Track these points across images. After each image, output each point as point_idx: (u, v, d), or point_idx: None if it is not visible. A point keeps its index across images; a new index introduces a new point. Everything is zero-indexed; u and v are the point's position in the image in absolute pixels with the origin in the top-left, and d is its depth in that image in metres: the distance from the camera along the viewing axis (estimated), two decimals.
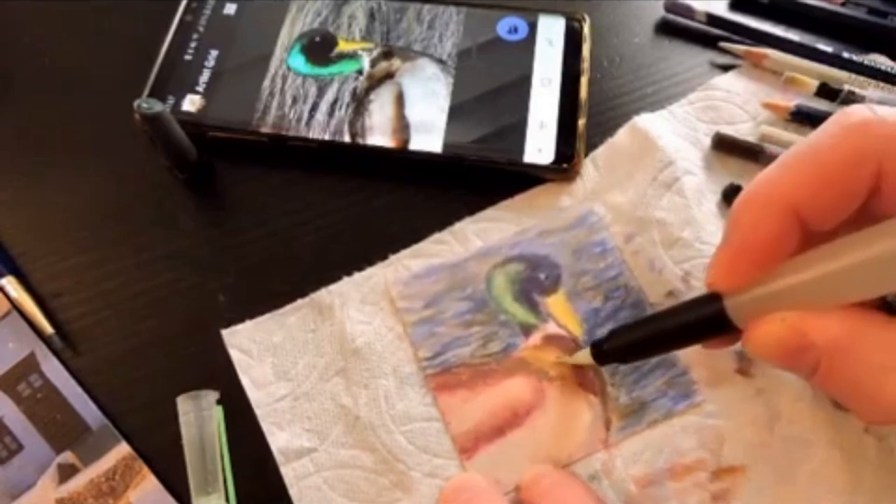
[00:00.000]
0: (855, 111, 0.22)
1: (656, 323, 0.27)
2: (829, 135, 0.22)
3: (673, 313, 0.26)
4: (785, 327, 0.22)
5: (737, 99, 0.36)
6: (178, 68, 0.37)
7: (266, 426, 0.30)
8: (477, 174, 0.34)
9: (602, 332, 0.31)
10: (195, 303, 0.33)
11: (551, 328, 0.31)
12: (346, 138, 0.35)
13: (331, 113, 0.35)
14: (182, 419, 0.30)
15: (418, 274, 0.32)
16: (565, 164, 0.33)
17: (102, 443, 0.31)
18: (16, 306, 0.33)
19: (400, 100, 0.36)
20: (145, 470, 0.30)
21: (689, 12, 0.38)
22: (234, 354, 0.31)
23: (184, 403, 0.30)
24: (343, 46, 0.37)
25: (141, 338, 0.32)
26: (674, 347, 0.28)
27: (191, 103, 0.36)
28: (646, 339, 0.27)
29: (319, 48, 0.37)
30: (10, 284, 0.33)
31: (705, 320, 0.24)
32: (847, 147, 0.22)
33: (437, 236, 0.33)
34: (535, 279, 0.32)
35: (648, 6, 0.39)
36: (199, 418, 0.30)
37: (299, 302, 0.32)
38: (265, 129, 0.35)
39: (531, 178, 0.34)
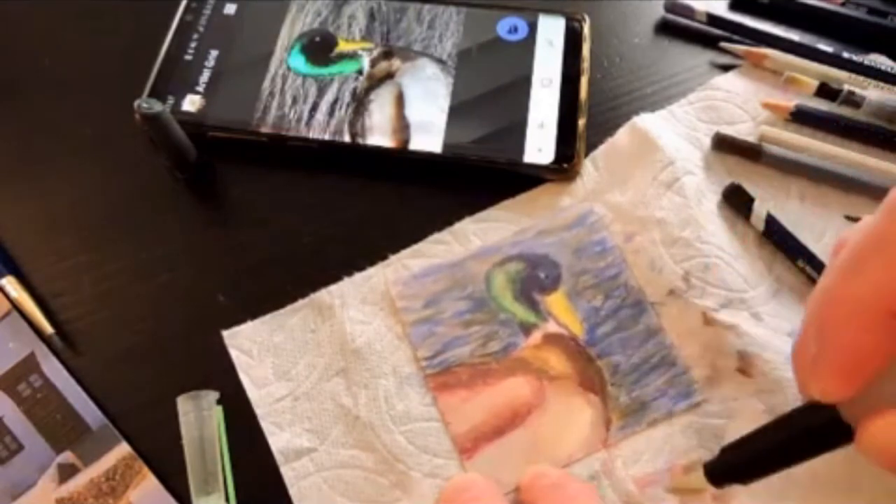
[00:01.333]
0: None
1: (766, 438, 0.24)
2: (893, 221, 0.21)
3: (783, 425, 0.24)
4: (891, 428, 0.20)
5: (737, 99, 0.36)
6: (178, 68, 0.37)
7: (266, 426, 0.30)
8: (477, 174, 0.34)
9: (602, 330, 0.31)
10: (195, 303, 0.33)
11: (551, 327, 0.31)
12: (346, 138, 0.35)
13: (331, 113, 0.35)
14: (182, 419, 0.30)
15: (418, 274, 0.32)
16: (565, 164, 0.33)
17: (102, 443, 0.31)
18: (16, 306, 0.33)
19: (400, 100, 0.36)
20: (145, 470, 0.30)
21: (689, 12, 0.38)
22: (235, 354, 0.31)
23: (184, 403, 0.30)
24: (343, 46, 0.37)
25: (141, 338, 0.32)
26: (793, 462, 0.24)
27: (191, 103, 0.36)
28: (763, 453, 0.24)
29: (319, 48, 0.37)
30: (10, 284, 0.33)
31: (824, 427, 0.22)
32: None
33: (437, 236, 0.33)
34: (535, 278, 0.32)
35: (648, 6, 0.39)
36: (199, 418, 0.30)
37: (299, 302, 0.32)
38: (265, 129, 0.35)
39: (531, 178, 0.34)
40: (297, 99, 0.36)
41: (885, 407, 0.21)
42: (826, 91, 0.35)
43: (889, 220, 0.21)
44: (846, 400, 0.22)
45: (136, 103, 0.31)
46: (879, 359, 0.21)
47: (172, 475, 0.30)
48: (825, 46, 0.36)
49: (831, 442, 0.23)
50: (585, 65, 0.36)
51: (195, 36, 0.38)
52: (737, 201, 0.33)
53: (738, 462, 0.25)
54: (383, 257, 0.33)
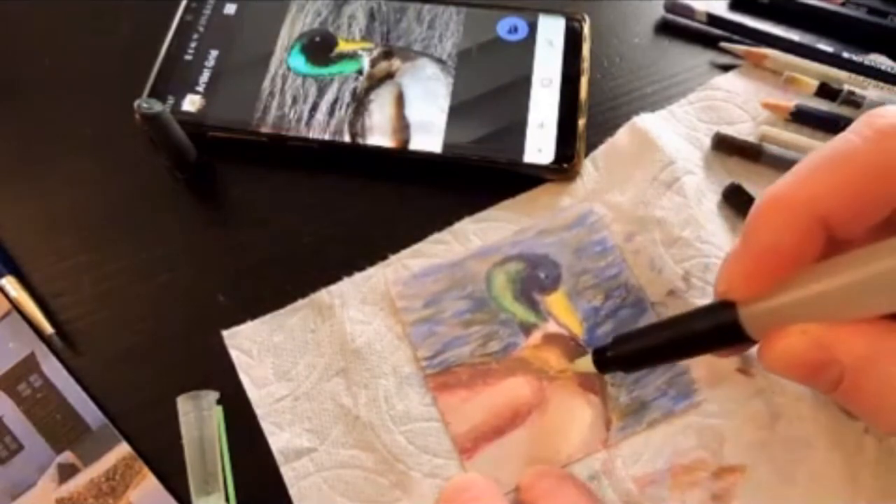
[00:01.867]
0: (886, 113, 0.21)
1: (664, 331, 0.25)
2: (862, 138, 0.21)
3: (681, 321, 0.24)
4: (806, 341, 0.20)
5: (737, 99, 0.36)
6: (178, 68, 0.37)
7: (266, 426, 0.30)
8: (477, 174, 0.34)
9: (602, 330, 0.31)
10: (195, 303, 0.33)
11: (551, 327, 0.31)
12: (346, 138, 0.35)
13: (331, 113, 0.35)
14: (182, 419, 0.30)
15: (418, 274, 0.32)
16: (565, 164, 0.33)
17: (102, 443, 0.31)
18: (16, 306, 0.33)
19: (400, 100, 0.36)
20: (145, 470, 0.30)
21: (689, 12, 0.38)
22: (235, 354, 0.31)
23: (184, 403, 0.30)
24: (343, 46, 0.37)
25: (141, 338, 0.32)
26: (681, 357, 0.27)
27: (191, 103, 0.36)
28: (652, 348, 0.25)
29: (319, 48, 0.37)
30: (10, 284, 0.33)
31: (717, 330, 0.23)
32: (880, 151, 0.20)
33: (437, 236, 0.33)
34: (535, 278, 0.32)
35: (648, 6, 0.39)
36: (199, 418, 0.30)
37: (299, 302, 0.32)
38: (265, 129, 0.35)
39: (531, 178, 0.34)
40: (297, 99, 0.36)
41: (792, 319, 0.21)
42: (826, 91, 0.35)
43: (851, 132, 0.21)
44: (749, 300, 0.22)
45: (136, 103, 0.31)
46: (793, 262, 0.21)
47: (172, 475, 0.30)
48: (825, 46, 0.36)
49: (724, 343, 0.23)
50: (585, 65, 0.36)
51: (195, 36, 0.38)
52: (737, 201, 0.33)
53: (628, 352, 0.26)
54: (383, 257, 0.33)
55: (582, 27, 0.37)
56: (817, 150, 0.22)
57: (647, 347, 0.25)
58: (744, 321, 0.22)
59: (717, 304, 0.23)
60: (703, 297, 0.31)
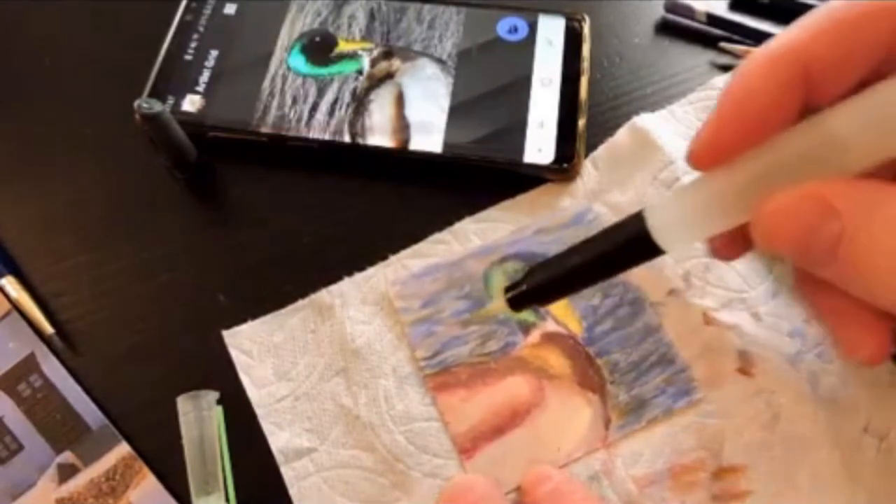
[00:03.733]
0: None
1: (575, 255, 0.24)
2: None
3: (592, 241, 0.23)
4: (805, 198, 0.19)
5: None
6: (178, 68, 0.37)
7: (266, 426, 0.30)
8: (477, 174, 0.34)
9: (601, 329, 0.31)
10: (195, 303, 0.33)
11: (550, 326, 0.31)
12: (346, 138, 0.35)
13: (331, 113, 0.35)
14: (182, 419, 0.30)
15: (416, 274, 0.32)
16: (565, 164, 0.33)
17: (102, 443, 0.31)
18: (16, 306, 0.33)
19: (400, 100, 0.36)
20: (145, 470, 0.30)
21: (689, 12, 0.38)
22: (235, 354, 0.31)
23: (184, 403, 0.30)
24: (343, 46, 0.37)
25: (141, 338, 0.32)
26: (597, 279, 0.25)
27: (191, 103, 0.36)
28: (566, 274, 0.24)
29: (319, 48, 0.37)
30: (10, 284, 0.33)
31: (628, 243, 0.22)
32: None
33: (436, 236, 0.33)
34: None
35: (648, 6, 0.39)
36: (199, 418, 0.30)
37: (299, 302, 0.32)
38: (265, 129, 0.35)
39: (531, 178, 0.34)
40: (297, 99, 0.36)
41: (773, 186, 0.19)
42: None
43: None
44: (714, 164, 0.20)
45: (136, 103, 0.31)
46: (766, 124, 0.19)
47: (172, 475, 0.30)
48: None
49: (637, 257, 0.22)
50: (585, 65, 0.36)
51: (195, 36, 0.38)
52: None
53: (542, 281, 0.24)
54: (383, 257, 0.33)
55: (582, 27, 0.37)
56: (814, 9, 0.21)
57: (560, 274, 0.24)
58: (721, 196, 0.20)
59: (627, 218, 0.22)
60: (702, 297, 0.31)
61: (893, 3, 0.19)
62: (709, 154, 0.20)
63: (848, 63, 0.20)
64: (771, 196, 0.19)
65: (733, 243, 0.22)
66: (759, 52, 0.20)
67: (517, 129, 0.34)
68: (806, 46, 0.20)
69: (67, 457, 0.31)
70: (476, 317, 0.31)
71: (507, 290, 0.25)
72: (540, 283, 0.24)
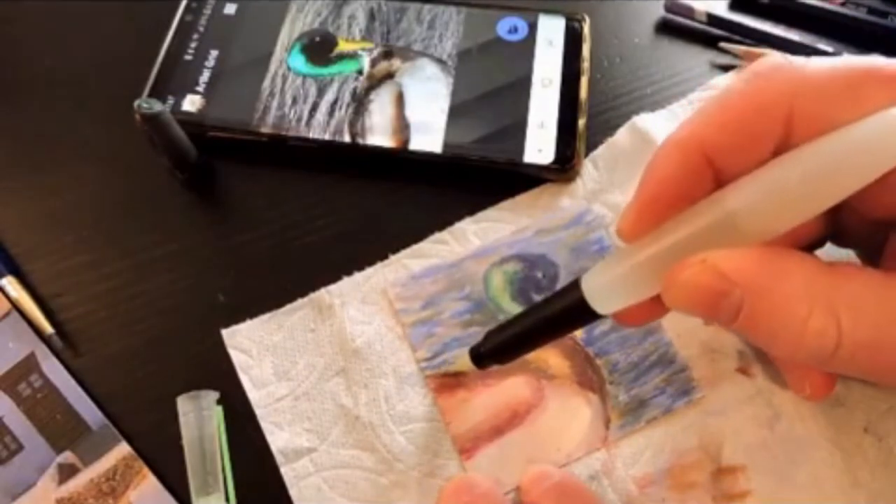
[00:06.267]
0: (769, 58, 0.22)
1: (525, 319, 0.26)
2: (741, 79, 0.22)
3: (538, 308, 0.26)
4: (704, 269, 0.21)
5: None
6: (178, 68, 0.37)
7: (266, 426, 0.30)
8: (477, 174, 0.34)
9: (600, 329, 0.31)
10: (195, 303, 0.33)
11: None
12: (346, 138, 0.35)
13: (331, 113, 0.35)
14: (182, 419, 0.30)
15: (416, 275, 0.32)
16: (565, 164, 0.33)
17: (102, 443, 0.31)
18: (16, 306, 0.33)
19: (400, 100, 0.36)
20: (145, 470, 0.30)
21: (689, 12, 0.38)
22: (234, 354, 0.31)
23: (184, 403, 0.30)
24: (343, 46, 0.37)
25: (141, 338, 0.32)
26: (546, 340, 0.27)
27: (191, 103, 0.36)
28: (517, 337, 0.27)
29: (319, 48, 0.37)
30: (10, 284, 0.33)
31: (569, 310, 0.24)
32: (756, 88, 0.22)
33: (436, 236, 0.33)
34: (532, 278, 0.32)
35: (648, 6, 0.39)
36: (199, 418, 0.30)
37: (299, 302, 0.32)
38: (265, 129, 0.35)
39: (531, 178, 0.34)
40: (297, 99, 0.36)
41: (680, 257, 0.21)
42: None
43: (737, 76, 0.23)
44: (636, 238, 0.23)
45: (136, 103, 0.31)
46: (681, 200, 0.22)
47: (172, 475, 0.30)
48: (825, 46, 0.36)
49: (578, 321, 0.26)
50: (585, 65, 0.36)
51: (195, 36, 0.38)
52: None
53: (497, 344, 0.27)
54: (383, 257, 0.33)
55: (582, 27, 0.37)
56: (711, 96, 0.23)
57: (512, 337, 0.27)
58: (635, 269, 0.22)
59: (567, 286, 0.25)
60: None
61: (779, 96, 0.21)
62: (632, 231, 0.23)
63: (745, 150, 0.22)
64: (675, 267, 0.21)
65: (637, 312, 0.24)
66: (669, 140, 0.23)
67: (517, 129, 0.34)
68: (706, 136, 0.22)
69: (67, 457, 0.31)
70: (476, 318, 0.31)
71: (471, 351, 0.28)
72: (495, 347, 0.27)
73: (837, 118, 0.20)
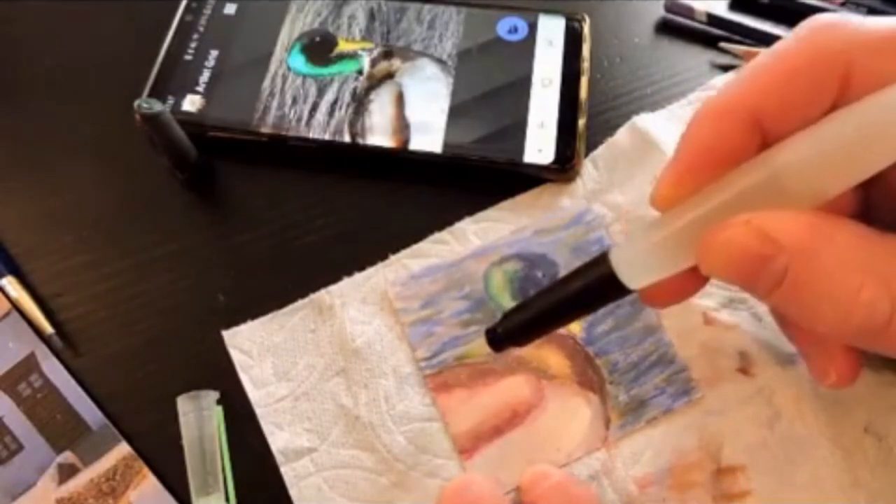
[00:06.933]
0: (823, 16, 0.21)
1: (547, 297, 0.25)
2: (796, 37, 0.21)
3: (562, 284, 0.24)
4: (749, 231, 0.19)
5: None
6: (178, 68, 0.37)
7: (266, 426, 0.30)
8: (477, 174, 0.34)
9: (601, 329, 0.31)
10: (195, 303, 0.33)
11: None
12: (346, 138, 0.35)
13: (331, 113, 0.35)
14: (182, 419, 0.30)
15: (416, 274, 0.32)
16: (565, 164, 0.33)
17: (102, 443, 0.31)
18: (16, 306, 0.33)
19: (400, 100, 0.36)
20: (145, 470, 0.30)
21: (689, 12, 0.38)
22: (235, 354, 0.31)
23: (184, 403, 0.30)
24: (343, 46, 0.37)
25: (141, 338, 0.32)
26: (570, 319, 0.26)
27: (191, 103, 0.36)
28: (538, 316, 0.25)
29: (319, 48, 0.37)
30: (10, 284, 0.33)
31: (596, 284, 0.23)
32: (813, 45, 0.20)
33: (436, 236, 0.33)
34: (532, 277, 0.32)
35: (648, 6, 0.39)
36: (199, 418, 0.30)
37: (299, 302, 0.32)
38: (265, 129, 0.35)
39: (531, 178, 0.34)
40: (297, 99, 0.36)
41: (719, 220, 0.20)
42: None
43: (789, 34, 0.21)
44: (674, 203, 0.21)
45: (136, 103, 0.31)
46: (720, 161, 0.20)
47: (172, 475, 0.30)
48: None
49: (606, 297, 0.23)
50: (585, 65, 0.36)
51: (195, 36, 0.38)
52: None
53: (517, 325, 0.25)
54: (383, 257, 0.33)
55: (582, 27, 0.37)
56: (758, 56, 0.21)
57: (533, 317, 0.25)
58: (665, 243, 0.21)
59: (593, 259, 0.23)
60: (702, 297, 0.31)
61: (836, 53, 0.20)
62: (669, 197, 0.21)
63: (799, 109, 0.20)
64: (714, 228, 0.20)
65: (669, 288, 0.23)
66: (709, 104, 0.21)
67: (517, 129, 0.34)
68: (752, 99, 0.21)
69: (67, 457, 0.31)
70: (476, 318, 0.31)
71: (487, 332, 0.26)
72: (515, 326, 0.25)
73: None
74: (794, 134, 0.20)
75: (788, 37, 0.21)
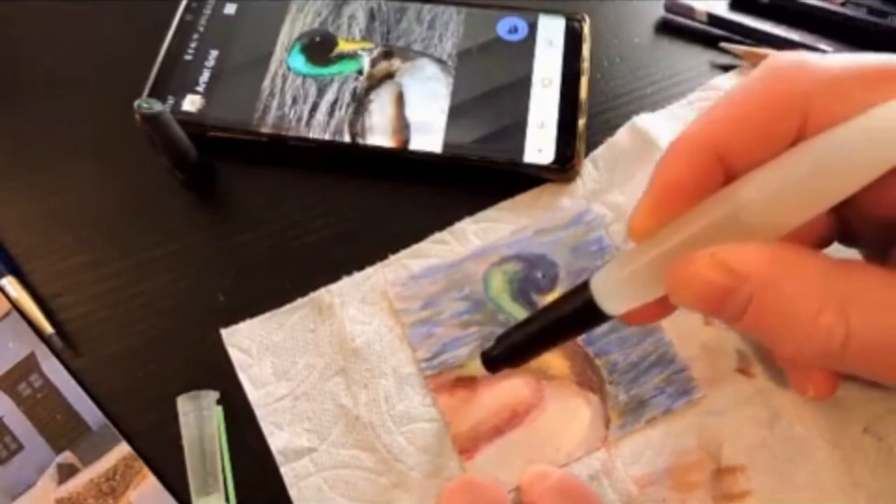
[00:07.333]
0: (785, 54, 0.22)
1: (535, 323, 0.26)
2: (756, 77, 0.22)
3: (548, 310, 0.26)
4: (713, 264, 0.20)
5: None
6: (178, 68, 0.37)
7: (266, 426, 0.30)
8: (477, 174, 0.34)
9: (599, 329, 0.31)
10: (195, 303, 0.33)
11: None
12: (346, 138, 0.35)
13: (331, 113, 0.35)
14: (182, 419, 0.30)
15: (416, 275, 0.32)
16: (565, 164, 0.33)
17: (102, 443, 0.31)
18: (16, 306, 0.33)
19: (400, 100, 0.36)
20: (145, 470, 0.30)
21: (689, 12, 0.38)
22: (234, 354, 0.31)
23: (184, 403, 0.30)
24: (343, 46, 0.37)
25: (141, 338, 0.32)
26: (557, 342, 0.27)
27: (191, 103, 0.36)
28: (528, 340, 0.26)
29: (319, 48, 0.37)
30: (10, 284, 0.33)
31: (578, 311, 0.24)
32: (771, 86, 0.22)
33: (436, 236, 0.33)
34: (532, 278, 0.32)
35: (648, 6, 0.39)
36: (199, 418, 0.30)
37: (299, 301, 0.32)
38: (265, 129, 0.35)
39: (531, 178, 0.34)
40: (297, 99, 0.36)
41: (687, 251, 0.21)
42: None
43: (751, 72, 0.22)
44: (646, 236, 0.22)
45: (136, 103, 0.31)
46: (691, 199, 0.21)
47: (172, 475, 0.30)
48: (825, 46, 0.36)
49: (588, 323, 0.25)
50: (585, 65, 0.36)
51: (195, 36, 0.38)
52: None
53: (509, 348, 0.27)
54: (383, 257, 0.33)
55: (582, 27, 0.37)
56: (723, 94, 0.23)
57: (523, 340, 0.26)
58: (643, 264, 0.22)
59: (576, 287, 0.24)
60: None
61: (795, 93, 0.21)
62: (642, 228, 0.22)
63: (758, 148, 0.21)
64: (681, 262, 0.21)
65: (645, 312, 0.24)
66: (680, 137, 0.23)
67: (517, 129, 0.34)
68: (715, 135, 0.22)
69: (67, 457, 0.31)
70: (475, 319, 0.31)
71: (482, 355, 0.28)
72: (507, 350, 0.27)
73: (852, 115, 0.20)
74: (755, 169, 0.21)
75: (752, 74, 0.22)
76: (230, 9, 0.38)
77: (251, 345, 0.31)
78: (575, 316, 0.25)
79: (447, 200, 0.34)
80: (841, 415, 0.28)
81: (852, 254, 0.26)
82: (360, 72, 0.36)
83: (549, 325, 0.26)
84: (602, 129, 0.35)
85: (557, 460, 0.29)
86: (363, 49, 0.37)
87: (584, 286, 0.24)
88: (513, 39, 0.37)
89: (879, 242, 0.24)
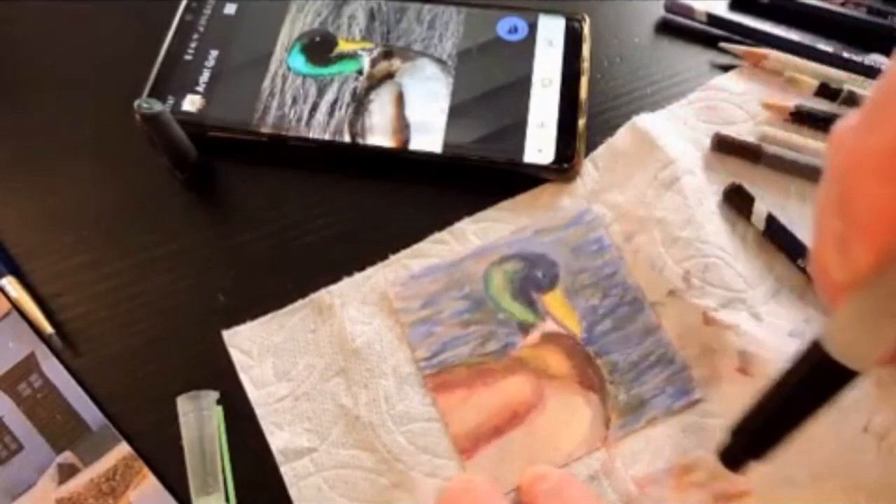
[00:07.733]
0: None
1: (771, 403, 0.22)
2: None
3: (782, 383, 0.22)
4: None
5: (737, 99, 0.36)
6: (178, 68, 0.37)
7: (266, 426, 0.30)
8: (477, 174, 0.34)
9: (601, 329, 0.31)
10: (195, 303, 0.33)
11: (550, 326, 0.31)
12: (346, 138, 0.35)
13: (331, 113, 0.35)
14: (182, 419, 0.30)
15: (416, 274, 0.32)
16: (565, 164, 0.33)
17: (102, 443, 0.31)
18: (16, 306, 0.33)
19: (400, 100, 0.36)
20: (145, 470, 0.30)
21: (689, 12, 0.38)
22: (235, 354, 0.31)
23: (184, 403, 0.30)
24: (343, 46, 0.37)
25: (141, 338, 0.32)
26: (808, 417, 0.22)
27: (191, 103, 0.36)
28: (769, 426, 0.22)
29: (319, 48, 0.37)
30: (10, 284, 0.33)
31: (817, 373, 0.20)
32: None
33: (436, 236, 0.33)
34: (532, 277, 0.32)
35: (648, 6, 0.39)
36: (199, 418, 0.30)
37: (299, 302, 0.32)
38: (265, 129, 0.35)
39: (531, 178, 0.34)
40: (297, 99, 0.36)
41: None
42: (826, 91, 0.35)
43: None
44: (878, 267, 0.18)
45: (136, 103, 0.31)
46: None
47: (172, 475, 0.30)
48: (825, 46, 0.36)
49: (834, 384, 0.21)
50: (585, 65, 0.36)
51: (195, 36, 0.38)
52: (737, 201, 0.33)
53: (751, 438, 0.23)
54: (383, 257, 0.33)
55: (582, 27, 0.37)
56: (871, 100, 0.19)
57: (764, 427, 0.23)
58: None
59: (804, 352, 0.21)
60: (702, 297, 0.31)
61: None
62: (874, 252, 0.19)
63: None
64: None
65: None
66: (879, 157, 0.18)
67: (517, 129, 0.34)
68: None
69: (67, 457, 0.31)
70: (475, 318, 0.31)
71: (721, 455, 0.24)
72: (749, 442, 0.23)
73: None
74: None
75: None
76: (230, 9, 0.38)
77: (252, 346, 0.31)
78: (814, 384, 0.21)
79: (447, 200, 0.34)
80: (841, 415, 0.28)
81: None
82: (360, 72, 0.36)
83: (788, 402, 0.22)
84: (602, 129, 0.35)
85: (557, 460, 0.29)
86: (363, 49, 0.37)
87: (815, 348, 0.20)
88: (513, 39, 0.37)
89: None
